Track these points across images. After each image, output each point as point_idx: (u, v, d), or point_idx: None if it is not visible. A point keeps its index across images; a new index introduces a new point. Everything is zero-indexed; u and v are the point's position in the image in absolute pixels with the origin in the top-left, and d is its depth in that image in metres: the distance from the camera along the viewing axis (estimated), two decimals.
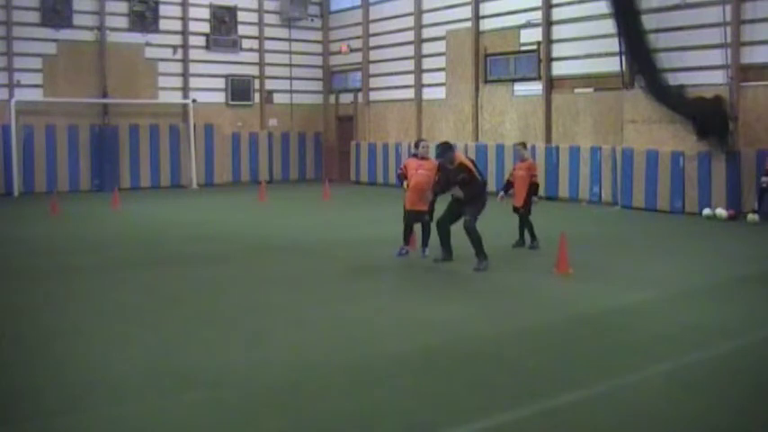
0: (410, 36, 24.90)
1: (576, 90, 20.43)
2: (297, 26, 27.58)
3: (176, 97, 25.34)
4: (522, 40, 21.62)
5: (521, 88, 21.82)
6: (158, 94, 25.04)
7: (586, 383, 6.07)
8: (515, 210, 12.73)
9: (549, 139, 20.93)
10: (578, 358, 6.79)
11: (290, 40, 27.47)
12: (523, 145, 13.41)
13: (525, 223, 12.56)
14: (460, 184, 10.83)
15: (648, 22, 16.98)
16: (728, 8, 16.81)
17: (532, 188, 12.60)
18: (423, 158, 11.82)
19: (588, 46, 19.71)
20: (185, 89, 25.43)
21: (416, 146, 12.16)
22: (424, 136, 24.09)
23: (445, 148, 11.08)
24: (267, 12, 26.94)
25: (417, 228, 11.88)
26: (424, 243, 11.76)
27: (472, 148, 22.60)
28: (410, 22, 24.83)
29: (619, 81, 18.75)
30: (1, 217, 17.61)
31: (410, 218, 11.77)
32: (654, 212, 17.61)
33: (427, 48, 24.46)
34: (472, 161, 11.27)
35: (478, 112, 22.86)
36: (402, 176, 12.00)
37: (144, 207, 19.35)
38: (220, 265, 11.41)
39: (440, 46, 23.97)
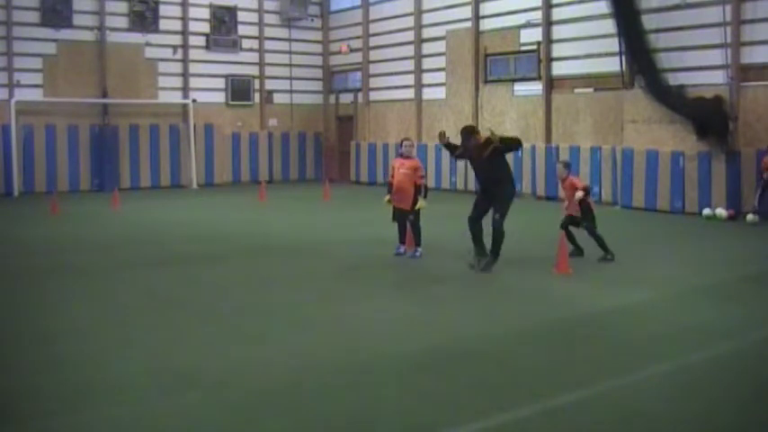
0: (410, 36, 24.89)
1: (576, 90, 20.43)
2: (297, 26, 27.57)
3: (176, 97, 25.34)
4: (522, 40, 21.62)
5: (521, 88, 21.82)
6: (158, 94, 25.03)
7: (586, 383, 6.07)
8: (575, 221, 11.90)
9: (549, 139, 20.93)
10: (578, 358, 6.79)
11: (290, 40, 27.47)
12: (564, 164, 12.45)
13: (594, 237, 11.61)
14: (494, 153, 10.38)
15: (648, 22, 16.98)
16: (728, 8, 16.81)
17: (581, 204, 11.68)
18: (406, 157, 11.89)
19: (588, 46, 19.71)
20: (185, 89, 25.42)
21: (401, 144, 12.19)
22: (424, 136, 24.18)
23: (468, 133, 10.73)
24: (267, 12, 26.93)
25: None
26: (416, 243, 11.78)
27: None
28: (410, 22, 24.83)
29: (619, 81, 18.75)
30: (1, 217, 17.61)
31: (396, 217, 11.84)
32: (654, 212, 17.61)
33: (427, 48, 24.46)
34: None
35: (478, 112, 22.85)
36: (390, 185, 11.93)
37: (144, 207, 19.35)
38: (220, 265, 11.41)
39: (440, 46, 23.97)
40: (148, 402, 5.72)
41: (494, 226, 10.48)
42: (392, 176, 11.93)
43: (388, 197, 11.91)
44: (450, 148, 11.27)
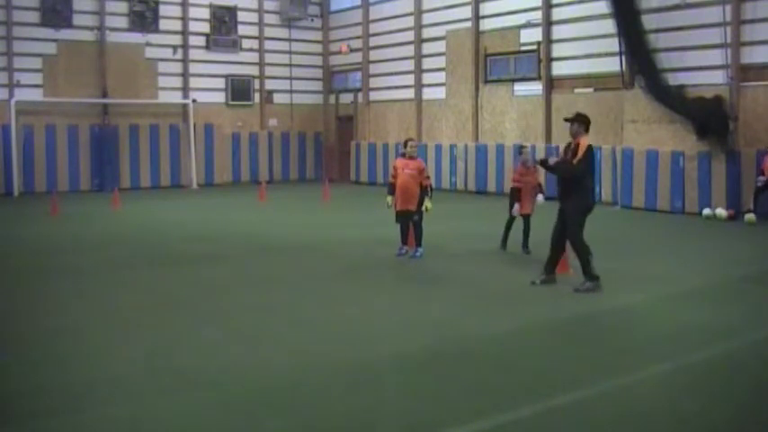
0: (410, 36, 24.90)
1: (576, 90, 20.43)
2: (297, 26, 27.58)
3: (176, 97, 25.34)
4: (522, 40, 21.63)
5: (521, 88, 21.82)
6: (158, 94, 25.04)
7: (586, 383, 6.07)
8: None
9: (549, 139, 20.92)
10: (578, 358, 6.79)
11: (290, 40, 27.48)
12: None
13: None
14: (561, 163, 9.51)
15: (648, 22, 16.99)
16: (728, 8, 16.81)
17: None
18: (410, 158, 11.84)
19: (588, 46, 19.72)
20: (185, 89, 25.43)
21: (405, 145, 12.07)
22: (424, 136, 24.17)
23: (575, 117, 9.61)
24: (267, 12, 26.95)
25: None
26: (417, 243, 11.77)
27: (472, 148, 22.61)
28: (410, 22, 24.84)
29: (619, 81, 18.75)
30: (1, 217, 17.62)
31: (400, 218, 11.82)
32: (654, 212, 17.60)
33: (427, 48, 24.47)
34: (590, 155, 9.45)
35: (478, 112, 22.86)
36: (392, 185, 11.90)
37: (144, 207, 19.35)
38: (220, 265, 11.41)
39: (440, 46, 23.98)
40: (148, 402, 5.71)
41: (570, 243, 9.52)
42: (393, 177, 11.89)
43: (390, 198, 11.87)
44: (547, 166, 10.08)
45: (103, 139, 23.83)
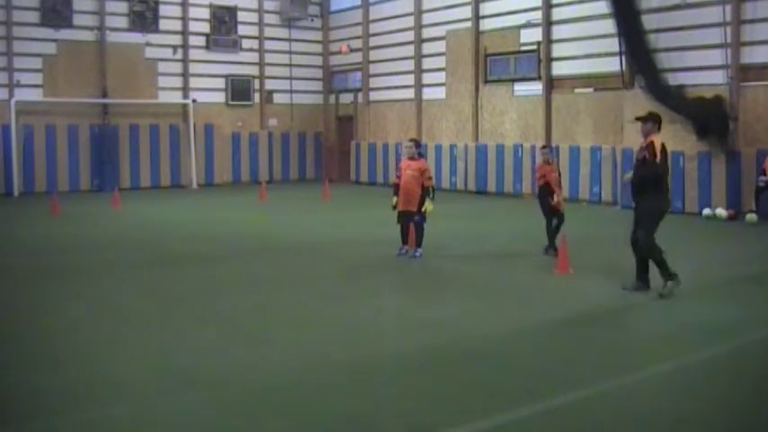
0: (410, 36, 24.89)
1: (576, 90, 20.43)
2: (297, 26, 27.58)
3: (176, 97, 25.34)
4: (522, 40, 21.62)
5: (521, 88, 21.81)
6: (158, 94, 25.03)
7: (586, 383, 6.07)
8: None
9: (549, 139, 20.91)
10: (578, 358, 6.79)
11: (290, 40, 27.47)
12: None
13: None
14: (639, 163, 9.21)
15: (648, 22, 16.99)
16: (728, 8, 16.81)
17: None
18: (412, 159, 11.88)
19: (588, 46, 19.71)
20: (185, 89, 25.42)
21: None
22: (424, 136, 24.15)
23: (648, 116, 9.37)
24: (267, 12, 26.94)
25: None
26: (417, 244, 11.77)
27: (472, 148, 22.61)
28: (410, 22, 24.83)
29: (619, 81, 18.75)
30: (1, 217, 17.61)
31: (401, 218, 11.83)
32: None
33: (427, 48, 24.46)
34: (665, 153, 9.20)
35: (478, 112, 22.85)
36: (396, 186, 11.92)
37: (144, 207, 19.35)
38: (221, 266, 11.41)
39: (440, 46, 23.97)
40: (148, 402, 5.71)
41: (642, 248, 9.28)
42: (398, 177, 11.93)
43: (395, 199, 11.87)
44: None
45: (103, 139, 23.82)
